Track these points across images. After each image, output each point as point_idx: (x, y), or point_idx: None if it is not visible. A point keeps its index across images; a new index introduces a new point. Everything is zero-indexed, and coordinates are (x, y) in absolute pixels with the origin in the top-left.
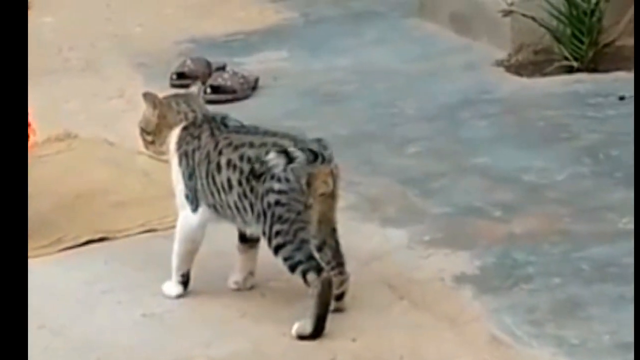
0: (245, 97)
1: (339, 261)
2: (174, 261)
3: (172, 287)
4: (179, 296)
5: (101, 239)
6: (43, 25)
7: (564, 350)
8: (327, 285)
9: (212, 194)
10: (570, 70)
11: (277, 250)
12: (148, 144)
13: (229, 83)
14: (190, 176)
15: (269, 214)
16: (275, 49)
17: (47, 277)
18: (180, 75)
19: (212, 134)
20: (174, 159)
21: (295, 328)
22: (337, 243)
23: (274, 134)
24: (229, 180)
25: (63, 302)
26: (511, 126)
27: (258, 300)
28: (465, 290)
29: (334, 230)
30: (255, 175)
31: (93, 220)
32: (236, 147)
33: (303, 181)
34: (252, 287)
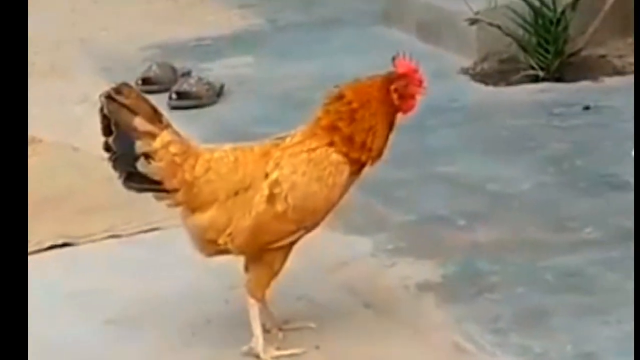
0: (211, 103)
1: None
2: None
3: None
4: None
5: (64, 245)
6: None
7: (526, 359)
8: None
9: None
10: (535, 79)
11: None
12: None
13: (194, 89)
14: None
15: None
16: (242, 54)
17: None
18: (146, 80)
19: None
20: None
21: None
22: None
23: None
24: None
25: None
26: (476, 135)
27: (222, 307)
28: (429, 299)
29: None
30: None
31: (57, 226)
32: None
33: None
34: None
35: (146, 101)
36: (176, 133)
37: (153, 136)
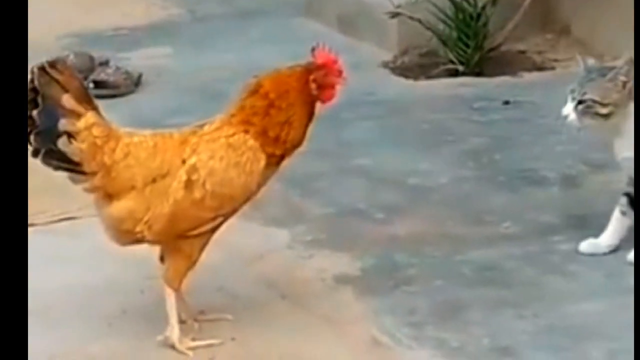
0: (129, 92)
1: None
2: None
3: None
4: None
5: None
6: None
7: (443, 353)
8: None
9: None
10: (455, 73)
11: None
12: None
13: (112, 78)
14: None
15: None
16: (160, 45)
17: None
18: None
19: None
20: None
21: None
22: None
23: None
24: None
25: None
26: (395, 128)
27: (138, 297)
28: (346, 291)
29: None
30: None
31: None
32: None
33: None
34: None
35: (78, 80)
36: (101, 116)
37: (78, 116)
